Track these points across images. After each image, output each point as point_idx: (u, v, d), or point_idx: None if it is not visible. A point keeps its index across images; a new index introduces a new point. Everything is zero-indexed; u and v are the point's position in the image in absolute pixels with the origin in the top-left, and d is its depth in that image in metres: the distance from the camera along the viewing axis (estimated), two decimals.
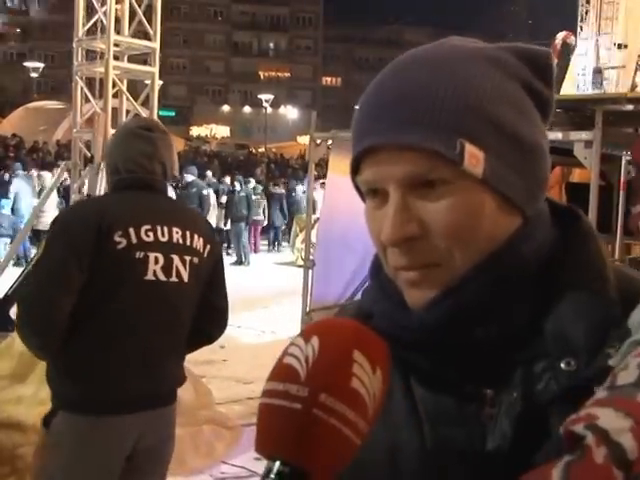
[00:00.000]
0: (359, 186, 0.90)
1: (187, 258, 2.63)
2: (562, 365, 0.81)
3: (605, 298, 0.83)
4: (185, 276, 2.62)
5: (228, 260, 16.19)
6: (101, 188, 5.93)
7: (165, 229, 2.60)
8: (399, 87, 0.85)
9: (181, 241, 2.62)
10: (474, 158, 0.82)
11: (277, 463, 0.66)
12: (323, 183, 10.31)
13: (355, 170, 0.89)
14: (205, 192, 15.25)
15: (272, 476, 0.65)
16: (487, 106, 0.84)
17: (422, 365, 0.88)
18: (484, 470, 0.82)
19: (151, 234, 2.56)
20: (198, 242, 2.67)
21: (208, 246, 2.70)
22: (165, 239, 2.59)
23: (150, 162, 2.65)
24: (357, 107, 0.90)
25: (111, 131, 6.14)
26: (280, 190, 19.37)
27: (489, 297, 0.84)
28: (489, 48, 0.90)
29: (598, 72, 11.49)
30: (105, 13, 5.97)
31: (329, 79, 65.74)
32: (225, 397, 6.31)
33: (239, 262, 16.16)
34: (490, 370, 0.85)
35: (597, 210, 4.92)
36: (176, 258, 2.60)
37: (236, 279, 13.93)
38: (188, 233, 2.65)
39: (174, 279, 2.60)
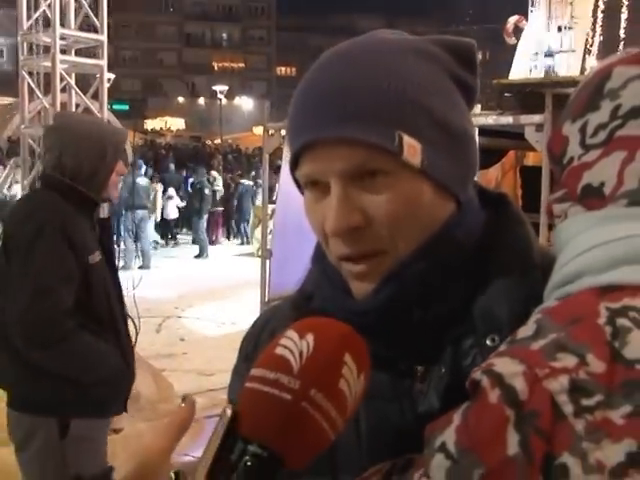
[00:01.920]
0: (298, 179, 0.91)
1: None
2: (487, 341, 0.86)
3: (529, 278, 0.88)
4: None
5: (192, 252, 16.14)
6: None
7: None
8: (333, 81, 0.87)
9: None
10: (412, 149, 0.85)
11: (254, 445, 0.68)
12: None
13: (294, 165, 0.90)
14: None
15: (247, 457, 0.68)
16: (421, 98, 0.87)
17: None
18: (415, 442, 0.83)
19: None
20: None
21: None
22: None
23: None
24: (291, 103, 0.91)
25: None
26: (247, 182, 19.23)
27: (427, 281, 0.88)
28: (418, 41, 0.93)
29: (549, 56, 11.61)
30: (50, 6, 5.86)
31: (284, 69, 65.61)
32: (186, 390, 6.28)
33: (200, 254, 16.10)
34: (423, 348, 0.89)
35: (549, 192, 4.97)
36: None
37: (195, 271, 13.95)
38: None
39: None
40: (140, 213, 14.07)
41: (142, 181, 14.30)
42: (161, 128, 50.73)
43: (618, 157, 0.76)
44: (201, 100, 58.81)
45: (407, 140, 0.84)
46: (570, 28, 11.48)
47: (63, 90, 6.26)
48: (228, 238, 19.44)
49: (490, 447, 0.65)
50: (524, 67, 10.82)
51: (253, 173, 20.84)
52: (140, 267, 13.47)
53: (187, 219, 17.76)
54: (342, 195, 0.85)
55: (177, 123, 53.54)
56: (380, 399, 0.89)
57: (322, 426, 0.70)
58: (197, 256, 15.98)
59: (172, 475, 0.71)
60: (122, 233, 13.97)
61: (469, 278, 0.89)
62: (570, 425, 0.63)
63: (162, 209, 16.96)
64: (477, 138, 0.98)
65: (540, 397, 0.65)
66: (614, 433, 0.62)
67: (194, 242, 16.91)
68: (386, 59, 0.88)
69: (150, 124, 51.02)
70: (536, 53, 11.08)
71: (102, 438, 2.80)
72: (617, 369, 0.64)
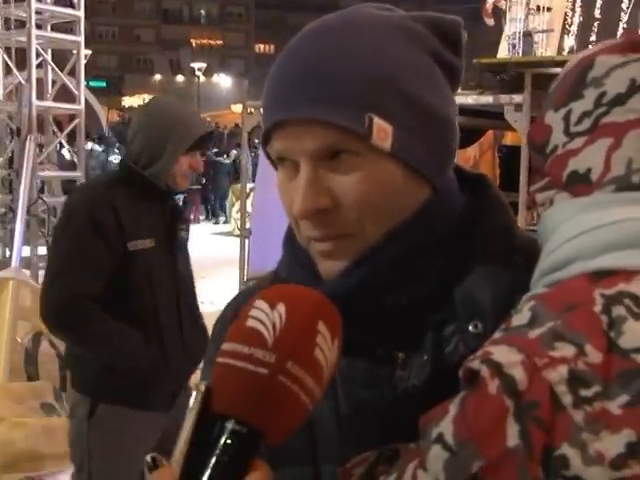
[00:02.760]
0: (270, 154, 0.90)
1: None
2: (470, 328, 0.85)
3: (512, 264, 0.87)
4: None
5: None
6: (28, 163, 5.77)
7: None
8: (306, 60, 0.85)
9: None
10: (382, 132, 0.83)
11: (232, 421, 0.67)
12: None
13: (266, 141, 0.89)
14: None
15: (226, 434, 0.67)
16: (396, 78, 0.84)
17: None
18: (395, 430, 0.83)
19: None
20: None
21: None
22: None
23: None
24: (268, 77, 0.89)
25: (36, 102, 5.96)
26: (224, 159, 19.04)
27: (399, 266, 0.86)
28: (399, 17, 0.90)
29: (528, 36, 11.60)
30: None
31: (262, 46, 65.12)
32: None
33: None
34: (403, 334, 0.87)
35: (528, 171, 5.00)
36: None
37: None
38: None
39: None
40: None
41: (115, 159, 14.17)
42: (139, 105, 50.30)
43: (604, 144, 0.76)
44: (179, 77, 58.28)
45: (378, 122, 0.82)
46: (549, 9, 11.49)
47: (39, 66, 6.19)
48: (207, 217, 19.33)
49: (489, 438, 0.65)
50: (504, 47, 10.81)
51: (234, 151, 20.67)
52: None
53: None
54: (310, 176, 0.84)
55: None
56: (360, 386, 0.88)
57: (301, 398, 0.68)
58: None
59: (148, 459, 0.67)
60: None
61: (448, 262, 0.87)
62: (569, 416, 0.63)
63: None
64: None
65: (539, 387, 0.64)
66: (613, 424, 0.62)
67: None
68: (360, 36, 0.85)
69: (128, 101, 50.61)
70: (514, 32, 11.08)
71: (128, 432, 2.63)
72: (613, 359, 0.64)
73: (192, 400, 0.69)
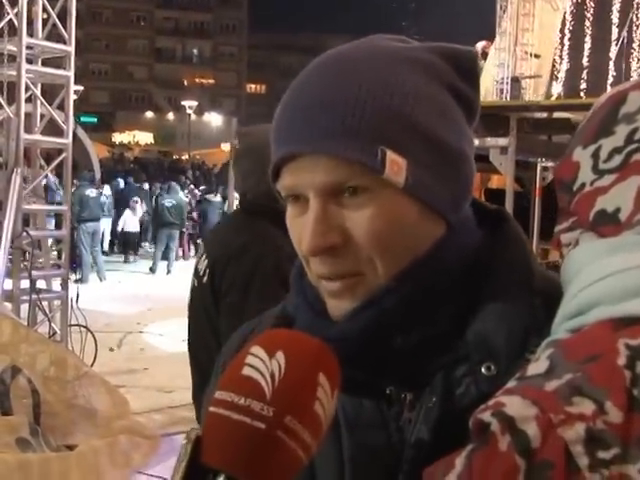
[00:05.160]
0: (280, 192, 0.86)
1: None
2: (482, 370, 0.80)
3: (528, 304, 0.83)
4: None
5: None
6: (14, 195, 5.75)
7: None
8: (318, 91, 0.82)
9: None
10: (396, 166, 0.79)
11: (222, 476, 0.63)
12: None
13: (275, 175, 0.86)
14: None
15: None
16: (410, 112, 0.81)
17: (342, 370, 0.86)
18: (402, 474, 0.80)
19: None
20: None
21: None
22: None
23: None
24: (277, 110, 0.86)
25: (24, 136, 5.97)
26: (216, 198, 19.01)
27: (410, 306, 0.82)
28: (412, 48, 0.87)
29: (516, 81, 11.79)
30: (17, 14, 5.80)
31: (253, 86, 65.72)
32: (145, 406, 6.21)
33: (152, 270, 15.91)
34: (412, 374, 0.83)
35: (513, 215, 5.02)
36: None
37: (158, 287, 13.82)
38: None
39: None
40: (92, 225, 13.93)
41: (92, 193, 14.14)
42: (129, 142, 50.50)
43: (635, 182, 0.71)
44: (170, 115, 58.62)
45: (391, 156, 0.79)
46: (537, 55, 11.68)
47: (28, 100, 6.20)
48: (196, 253, 19.32)
49: None
50: (491, 91, 10.96)
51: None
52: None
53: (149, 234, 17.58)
54: (320, 212, 0.81)
55: (145, 137, 53.36)
56: (366, 426, 0.84)
57: (297, 454, 0.65)
58: (149, 271, 15.82)
59: None
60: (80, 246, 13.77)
61: (461, 301, 0.83)
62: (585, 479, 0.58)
63: (124, 222, 16.80)
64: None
65: (554, 446, 0.60)
66: None
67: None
68: (373, 68, 0.82)
69: (118, 137, 50.81)
70: (502, 77, 11.24)
71: None
72: (635, 419, 0.60)
73: (182, 450, 0.65)
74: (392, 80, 0.82)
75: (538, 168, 6.95)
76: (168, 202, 16.06)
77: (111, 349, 8.43)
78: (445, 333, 0.83)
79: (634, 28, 15.49)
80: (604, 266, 0.70)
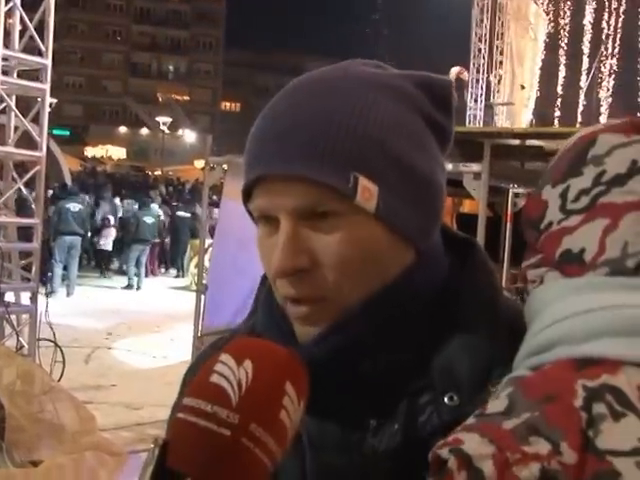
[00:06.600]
0: (251, 212, 0.87)
1: None
2: (445, 399, 0.81)
3: (493, 335, 0.84)
4: None
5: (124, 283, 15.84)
6: None
7: None
8: (291, 114, 0.82)
9: None
10: (367, 192, 0.80)
11: None
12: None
13: (247, 196, 0.86)
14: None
15: None
16: (384, 138, 0.81)
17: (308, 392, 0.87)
18: None
19: None
20: None
21: None
22: None
23: None
24: (251, 131, 0.87)
25: None
26: (185, 214, 18.92)
27: (378, 332, 0.83)
28: (387, 75, 0.88)
29: (489, 108, 11.95)
30: None
31: (228, 104, 65.70)
32: (113, 423, 6.15)
33: (129, 286, 15.79)
34: (377, 400, 0.84)
35: (485, 240, 5.07)
36: None
37: (128, 302, 13.70)
38: None
39: None
40: (69, 239, 13.78)
41: (74, 207, 14.01)
42: (102, 156, 50.16)
43: (600, 224, 0.73)
44: (144, 130, 58.37)
45: (363, 182, 0.79)
46: (505, 81, 11.84)
47: (2, 112, 6.16)
48: (166, 270, 19.19)
49: None
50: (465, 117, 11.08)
51: (198, 206, 20.52)
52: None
53: (120, 249, 17.41)
54: (290, 234, 0.81)
55: (118, 152, 53.05)
56: (329, 449, 0.84)
57: (262, 461, 0.66)
58: (126, 287, 15.71)
59: None
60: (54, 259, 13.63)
61: (428, 329, 0.84)
62: None
63: (97, 239, 16.64)
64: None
65: None
66: None
67: (123, 273, 16.60)
68: (348, 94, 0.82)
69: (91, 151, 50.44)
70: (475, 101, 11.37)
71: None
72: (588, 460, 0.61)
73: (149, 454, 0.66)
74: (366, 106, 0.82)
75: (510, 194, 7.03)
76: (147, 218, 15.97)
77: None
78: (411, 360, 0.83)
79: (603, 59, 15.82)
80: (567, 305, 0.72)
